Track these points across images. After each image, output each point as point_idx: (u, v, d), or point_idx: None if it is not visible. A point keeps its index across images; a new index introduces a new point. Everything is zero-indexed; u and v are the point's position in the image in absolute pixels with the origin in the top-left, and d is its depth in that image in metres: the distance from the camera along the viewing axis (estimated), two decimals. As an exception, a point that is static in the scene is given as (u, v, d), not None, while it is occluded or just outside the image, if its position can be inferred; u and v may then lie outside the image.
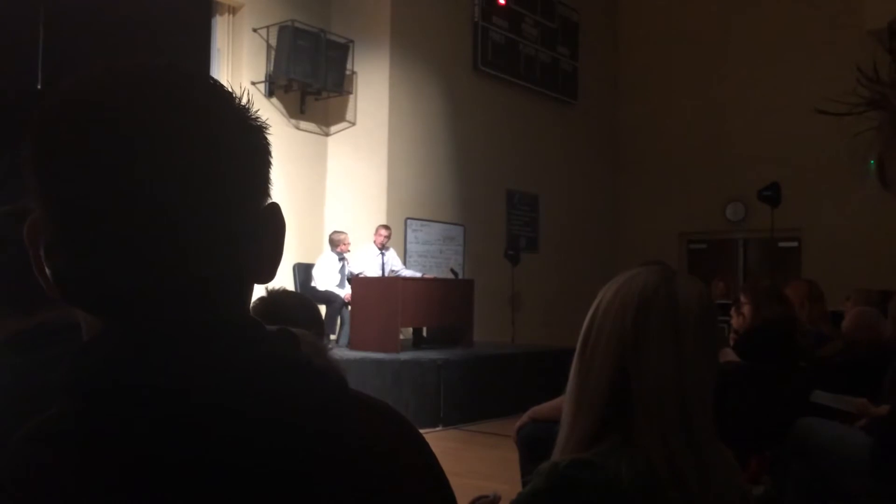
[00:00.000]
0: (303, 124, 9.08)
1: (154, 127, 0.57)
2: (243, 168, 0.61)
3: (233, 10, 8.64)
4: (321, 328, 2.38)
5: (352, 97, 9.29)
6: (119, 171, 0.56)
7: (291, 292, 2.47)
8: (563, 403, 1.32)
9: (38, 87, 9.21)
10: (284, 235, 0.65)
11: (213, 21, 8.64)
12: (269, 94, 8.68)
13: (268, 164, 0.63)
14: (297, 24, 8.48)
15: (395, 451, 0.65)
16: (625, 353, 1.22)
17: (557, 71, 11.66)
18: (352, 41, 9.01)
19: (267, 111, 8.84)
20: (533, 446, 3.57)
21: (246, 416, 0.56)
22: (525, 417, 3.64)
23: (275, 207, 0.64)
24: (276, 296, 2.12)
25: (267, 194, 0.63)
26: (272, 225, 0.63)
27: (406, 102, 9.39)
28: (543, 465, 1.23)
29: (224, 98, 0.62)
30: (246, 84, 8.61)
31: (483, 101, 10.34)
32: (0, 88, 10.03)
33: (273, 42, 8.56)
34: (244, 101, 0.63)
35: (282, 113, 8.87)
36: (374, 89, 9.24)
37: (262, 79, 8.66)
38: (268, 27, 8.58)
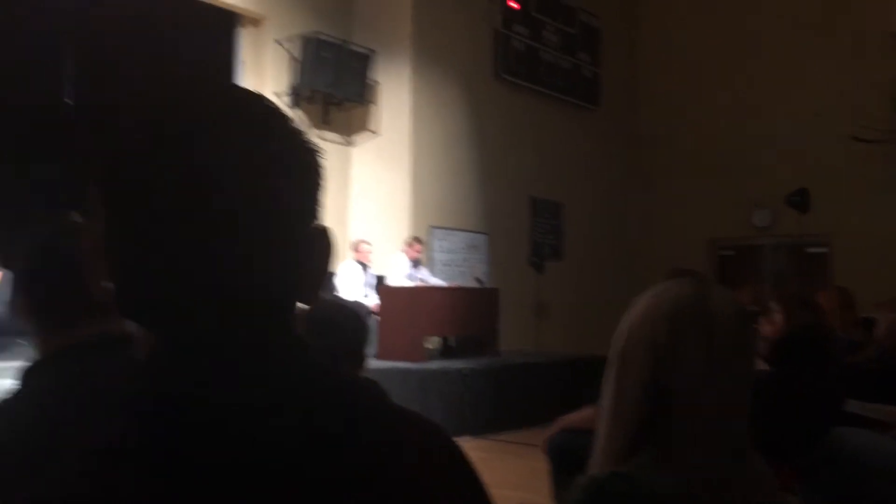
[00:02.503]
0: (326, 135, 9.12)
1: (216, 148, 0.59)
2: (296, 190, 0.62)
3: (256, 23, 8.71)
4: (366, 339, 2.36)
5: (374, 107, 9.32)
6: (181, 191, 0.58)
7: (340, 303, 2.46)
8: (598, 415, 1.31)
9: (65, 100, 9.33)
10: (330, 257, 0.66)
11: (237, 33, 8.71)
12: (293, 105, 8.73)
13: (319, 187, 0.64)
14: (319, 36, 8.53)
15: (438, 464, 0.65)
16: (660, 366, 1.21)
17: (579, 77, 11.62)
18: (373, 51, 9.04)
19: (291, 122, 8.91)
20: (563, 456, 3.53)
21: (295, 433, 0.58)
22: (555, 427, 3.61)
23: (323, 229, 0.65)
24: (325, 307, 2.10)
25: (316, 215, 0.64)
26: (320, 246, 0.65)
27: (428, 111, 9.41)
28: (581, 479, 1.23)
29: (281, 120, 0.63)
30: (269, 95, 8.66)
31: (505, 108, 10.33)
32: (29, 101, 10.21)
33: (296, 53, 8.61)
34: (297, 121, 0.64)
35: (305, 124, 8.92)
36: (396, 99, 9.27)
37: (286, 90, 8.72)
38: (290, 38, 8.64)
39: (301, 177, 0.63)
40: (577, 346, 9.52)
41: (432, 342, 8.03)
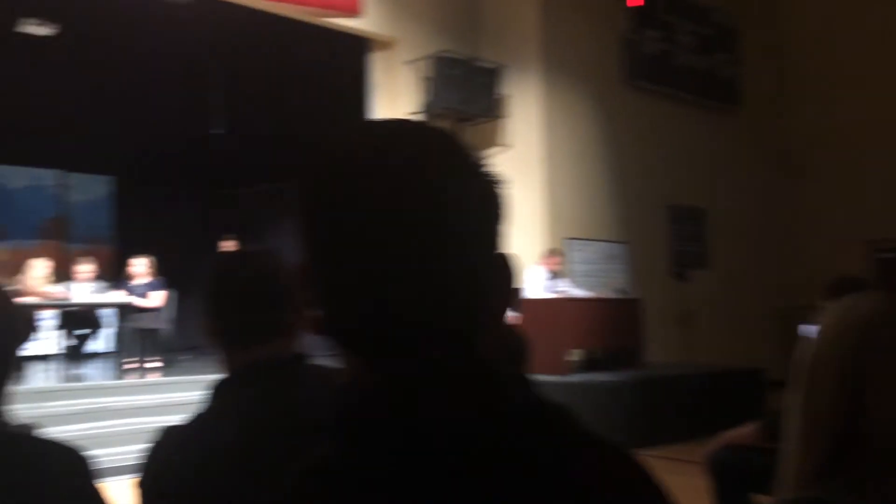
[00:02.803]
0: (459, 151, 9.18)
1: (408, 183, 0.62)
2: (482, 220, 0.65)
3: (387, 46, 8.91)
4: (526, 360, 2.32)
5: (505, 121, 9.31)
6: (381, 225, 0.61)
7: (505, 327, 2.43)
8: (785, 435, 1.23)
9: (218, 132, 9.92)
10: (512, 283, 0.68)
11: (369, 58, 8.95)
12: (426, 123, 8.86)
13: (499, 216, 0.66)
14: (447, 54, 8.63)
15: (641, 499, 0.67)
16: (855, 389, 1.14)
17: (715, 79, 11.18)
18: (502, 65, 9.04)
19: (424, 141, 9.05)
20: (727, 474, 3.39)
21: (493, 458, 0.60)
22: (716, 444, 3.46)
23: (504, 257, 0.67)
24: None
25: (497, 244, 0.66)
26: (504, 274, 0.67)
27: (560, 122, 9.31)
28: (770, 502, 1.17)
29: (464, 152, 0.66)
30: (402, 115, 8.85)
31: (638, 115, 10.07)
32: (178, 131, 10.92)
33: (426, 73, 8.74)
34: (477, 154, 0.67)
35: (438, 141, 9.02)
36: (526, 111, 9.22)
37: (418, 109, 8.86)
38: (421, 59, 8.78)
39: (486, 207, 0.65)
40: (726, 358, 9.09)
41: (576, 355, 7.88)
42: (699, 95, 10.85)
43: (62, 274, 10.93)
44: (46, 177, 11.62)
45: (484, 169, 0.66)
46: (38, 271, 8.32)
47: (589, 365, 7.94)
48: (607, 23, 9.90)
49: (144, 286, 8.75)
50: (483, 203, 0.65)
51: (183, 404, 7.19)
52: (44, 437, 1.28)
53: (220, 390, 1.37)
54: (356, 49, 8.91)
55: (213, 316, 1.40)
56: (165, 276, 8.96)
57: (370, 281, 0.61)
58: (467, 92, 8.59)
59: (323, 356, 1.43)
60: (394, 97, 8.88)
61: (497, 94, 9.00)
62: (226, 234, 9.64)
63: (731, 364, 8.40)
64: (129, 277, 8.92)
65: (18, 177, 11.37)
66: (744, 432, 3.30)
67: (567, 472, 0.62)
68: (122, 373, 8.29)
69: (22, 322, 1.35)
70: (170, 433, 1.32)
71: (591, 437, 0.67)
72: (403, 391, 0.61)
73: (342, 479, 0.60)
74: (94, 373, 8.80)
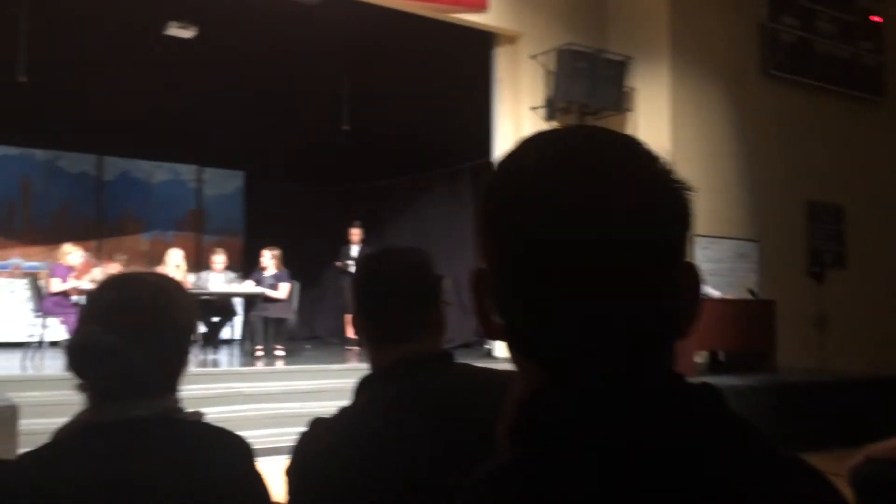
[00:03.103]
0: (582, 145, 9.04)
1: (595, 191, 0.61)
2: (672, 227, 0.64)
3: (512, 40, 8.87)
4: None
5: (632, 114, 9.08)
6: (567, 237, 0.60)
7: None
8: None
9: (345, 127, 10.16)
10: (699, 293, 0.66)
11: (493, 53, 8.93)
12: (549, 117, 8.76)
13: (687, 224, 0.65)
14: (573, 47, 8.50)
15: None
16: None
17: (858, 68, 10.51)
18: (630, 57, 8.82)
19: (546, 135, 8.97)
20: (873, 489, 3.17)
21: (685, 475, 0.58)
22: (860, 456, 3.24)
23: (691, 266, 0.65)
24: None
25: (684, 253, 0.65)
26: (689, 284, 0.65)
27: (689, 115, 8.99)
28: None
29: (649, 159, 0.65)
30: (525, 110, 8.78)
31: (774, 107, 9.60)
32: (307, 128, 11.27)
33: (551, 67, 8.64)
34: (664, 160, 0.65)
35: (561, 136, 8.92)
36: (654, 105, 8.96)
37: (542, 104, 8.77)
38: (546, 53, 8.68)
39: (676, 215, 0.64)
40: (865, 364, 8.55)
41: (700, 357, 7.60)
42: (840, 86, 10.24)
43: (198, 264, 11.53)
44: (185, 172, 12.25)
45: (673, 175, 0.65)
46: (174, 261, 8.78)
47: (713, 367, 7.64)
48: (741, 11, 9.49)
49: (273, 277, 9.08)
50: (674, 210, 0.64)
51: (307, 392, 7.43)
52: (212, 424, 1.33)
53: (367, 386, 1.39)
54: (480, 44, 8.91)
55: (361, 313, 1.41)
56: (292, 267, 9.28)
57: (564, 292, 0.61)
58: (593, 85, 8.43)
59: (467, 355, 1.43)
60: (517, 91, 8.84)
61: (623, 87, 8.79)
62: (353, 221, 9.91)
63: (869, 370, 7.88)
64: (259, 268, 9.29)
65: (160, 172, 12.05)
66: (890, 445, 3.09)
67: (771, 495, 0.60)
68: (251, 359, 8.64)
69: (195, 311, 1.41)
70: (317, 425, 1.34)
71: (790, 457, 0.65)
72: (598, 405, 0.60)
73: (525, 490, 0.59)
74: (225, 359, 9.22)
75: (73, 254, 8.32)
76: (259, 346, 8.90)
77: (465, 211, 10.85)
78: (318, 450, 1.29)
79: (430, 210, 11.39)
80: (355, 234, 9.84)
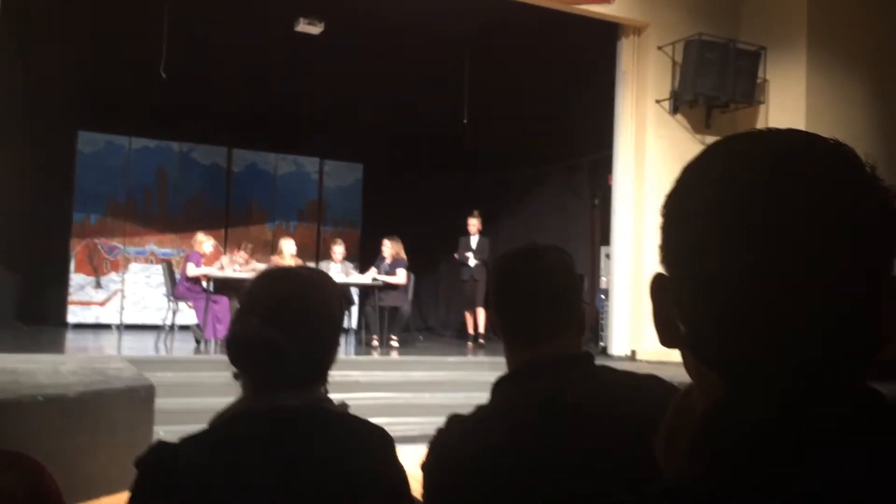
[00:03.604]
0: (708, 139, 8.69)
1: (812, 203, 0.58)
2: (874, 240, 0.60)
3: (638, 31, 8.64)
4: None
5: (763, 107, 8.67)
6: (779, 244, 0.57)
7: None
8: None
9: (465, 121, 10.19)
10: None
11: (618, 44, 8.72)
12: (674, 110, 8.49)
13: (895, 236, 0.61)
14: (703, 37, 8.19)
15: None
16: None
17: None
18: (764, 48, 8.42)
19: (671, 128, 8.70)
20: None
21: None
22: None
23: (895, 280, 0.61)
24: None
25: (891, 267, 0.61)
26: (892, 298, 0.60)
27: (826, 107, 8.49)
28: None
29: (865, 169, 0.61)
30: (650, 103, 8.54)
31: (922, 99, 8.93)
32: (432, 122, 11.38)
33: (678, 58, 8.36)
34: (870, 167, 0.61)
35: (686, 129, 8.62)
36: (788, 97, 8.53)
37: (667, 96, 8.50)
38: (673, 44, 8.41)
39: (883, 227, 0.60)
40: None
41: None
42: None
43: (317, 254, 11.86)
44: (307, 164, 12.62)
45: (882, 183, 0.60)
46: (289, 250, 9.06)
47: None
48: (887, -3, 8.88)
49: (389, 266, 9.22)
50: (883, 220, 0.60)
51: (422, 382, 7.51)
52: (357, 416, 1.35)
53: (505, 385, 1.37)
54: (603, 35, 8.73)
55: (499, 312, 1.39)
56: (408, 259, 9.39)
57: (762, 301, 0.58)
58: (723, 76, 8.11)
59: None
60: (642, 84, 8.61)
61: (756, 78, 8.40)
62: (471, 211, 9.92)
63: None
64: (380, 257, 9.45)
65: (284, 164, 12.46)
66: None
67: None
68: (367, 348, 8.81)
69: (343, 304, 1.43)
70: (454, 422, 1.33)
71: None
72: (801, 421, 0.57)
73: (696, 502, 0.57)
74: (341, 347, 9.43)
75: (206, 242, 8.75)
76: (375, 336, 9.06)
77: (582, 205, 10.68)
78: (454, 447, 1.28)
79: (547, 203, 11.28)
80: (473, 224, 9.82)
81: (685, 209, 0.62)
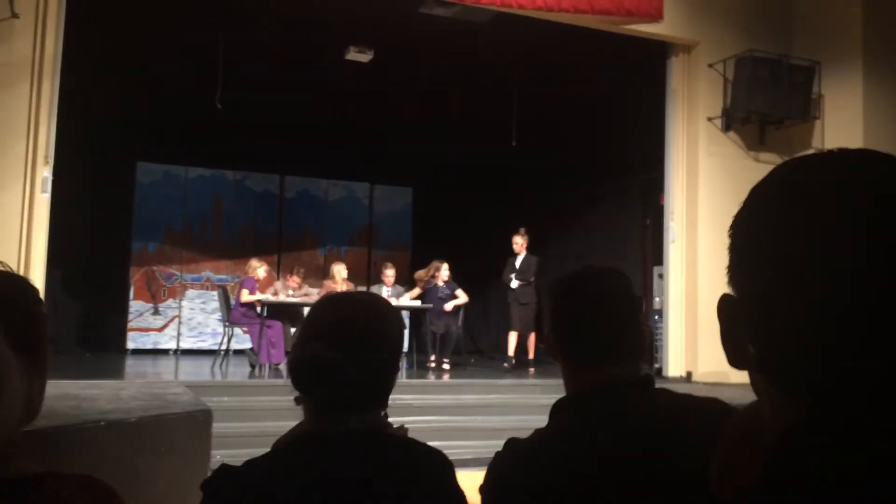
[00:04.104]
0: (762, 156, 8.57)
1: (886, 224, 0.56)
2: None
3: (688, 49, 8.57)
4: None
5: (818, 123, 8.49)
6: (841, 265, 0.56)
7: None
8: None
9: (513, 143, 10.22)
10: None
11: (668, 63, 8.66)
12: (727, 128, 8.37)
13: None
14: (755, 54, 8.08)
15: None
16: None
17: None
18: (818, 63, 8.27)
19: (724, 146, 8.58)
20: None
21: None
22: None
23: None
24: None
25: None
26: None
27: (885, 123, 8.29)
28: None
29: None
30: (701, 121, 8.44)
31: None
32: (481, 146, 11.42)
33: (730, 75, 8.26)
34: None
35: (739, 146, 8.50)
36: (845, 112, 8.34)
37: (719, 114, 8.40)
38: (724, 61, 8.31)
39: None
40: None
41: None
42: None
43: (368, 278, 11.95)
44: (357, 189, 12.76)
45: None
46: (341, 274, 9.18)
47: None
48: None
49: (447, 287, 9.27)
50: None
51: (474, 406, 7.47)
52: (416, 440, 1.35)
53: (565, 409, 1.36)
54: (652, 55, 8.68)
55: (558, 335, 1.39)
56: (458, 281, 9.42)
57: (842, 324, 0.56)
58: (776, 93, 7.99)
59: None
60: (692, 102, 8.53)
61: (810, 94, 8.25)
62: (518, 228, 9.85)
63: None
64: (426, 282, 9.48)
65: (335, 189, 12.62)
66: None
67: None
68: (420, 371, 8.82)
69: (403, 329, 1.44)
70: (512, 446, 1.32)
71: None
72: (880, 449, 0.55)
73: None
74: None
75: (259, 268, 8.91)
76: (432, 359, 9.10)
77: (633, 225, 10.57)
78: (512, 471, 1.27)
79: (597, 224, 11.20)
80: (518, 242, 9.67)
81: (758, 230, 0.61)
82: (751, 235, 0.61)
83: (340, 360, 1.23)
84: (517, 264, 9.61)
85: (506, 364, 9.49)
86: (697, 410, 1.33)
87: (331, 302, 1.37)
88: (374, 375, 1.30)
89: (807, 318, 0.57)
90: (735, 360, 0.64)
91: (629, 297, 1.41)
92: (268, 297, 8.80)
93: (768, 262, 0.60)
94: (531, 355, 9.69)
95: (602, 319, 1.35)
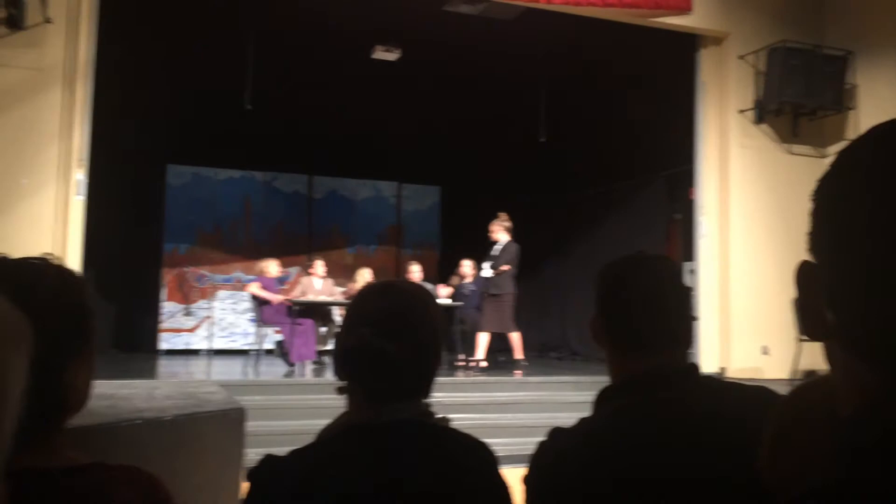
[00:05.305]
0: (795, 148, 8.44)
1: None
2: None
3: (717, 41, 8.46)
4: None
5: (852, 113, 8.34)
6: None
7: None
8: None
9: (541, 139, 10.17)
10: None
11: (697, 55, 8.55)
12: (759, 120, 8.25)
13: None
14: (787, 44, 7.96)
15: None
16: None
17: None
18: (851, 52, 8.12)
19: (756, 138, 8.45)
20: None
21: None
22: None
23: None
24: None
25: None
26: None
27: (922, 111, 8.11)
28: None
29: None
30: (732, 114, 8.33)
31: None
32: (509, 143, 11.39)
33: (761, 66, 8.14)
34: None
35: (772, 138, 8.37)
36: (879, 102, 8.17)
37: (751, 106, 8.28)
38: (755, 52, 8.20)
39: None
40: None
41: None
42: None
43: (397, 276, 11.96)
44: (385, 188, 12.80)
45: None
46: (365, 279, 9.26)
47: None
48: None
49: (473, 284, 9.24)
50: None
51: (505, 403, 7.44)
52: (460, 430, 1.34)
53: (610, 396, 1.35)
54: (682, 47, 8.57)
55: (610, 321, 1.37)
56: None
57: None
58: (809, 83, 7.86)
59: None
60: (724, 94, 8.41)
61: (844, 83, 8.11)
62: (556, 237, 9.68)
63: None
64: (457, 279, 9.47)
65: (363, 189, 12.66)
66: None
67: None
68: (451, 370, 8.80)
69: (443, 319, 1.43)
70: (557, 435, 1.30)
71: None
72: None
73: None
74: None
75: (271, 265, 9.00)
76: (461, 357, 9.08)
77: (662, 220, 10.46)
78: (559, 461, 1.26)
79: (626, 220, 11.10)
80: (492, 230, 8.85)
81: (851, 192, 0.59)
82: (838, 197, 0.59)
83: (390, 346, 1.22)
84: (495, 251, 8.83)
85: (472, 365, 8.78)
86: (746, 398, 1.32)
87: (377, 289, 1.36)
88: (421, 363, 1.29)
89: (850, 287, 0.56)
90: (811, 328, 0.62)
91: (680, 284, 1.40)
92: (268, 294, 8.83)
93: (858, 225, 0.58)
94: (518, 355, 8.78)
95: (654, 306, 1.33)
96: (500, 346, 11.94)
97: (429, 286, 9.60)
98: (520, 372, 8.58)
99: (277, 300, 8.74)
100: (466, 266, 9.43)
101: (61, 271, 1.02)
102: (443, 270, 11.90)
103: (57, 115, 6.55)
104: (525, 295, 12.29)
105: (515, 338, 8.73)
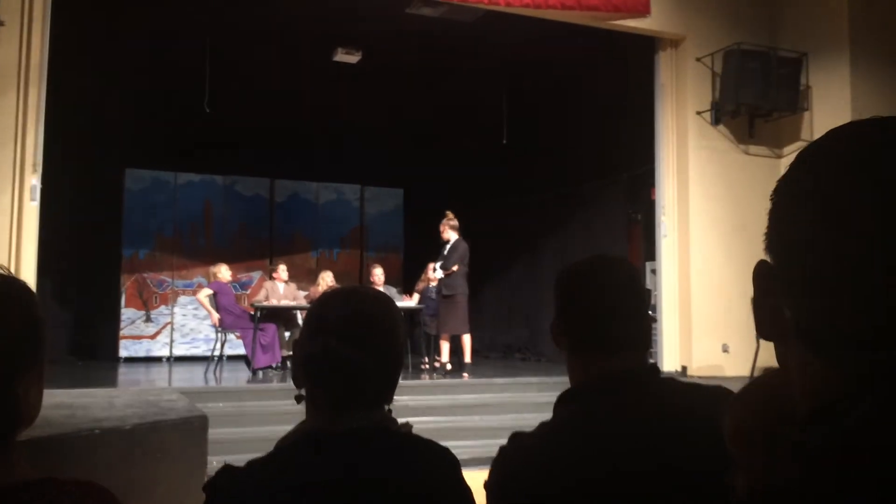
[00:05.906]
0: (751, 149, 8.59)
1: None
2: None
3: (675, 44, 8.58)
4: None
5: (807, 114, 8.52)
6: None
7: None
8: None
9: (504, 141, 10.21)
10: None
11: (656, 57, 8.67)
12: (716, 121, 8.39)
13: None
14: (742, 46, 8.10)
15: None
16: None
17: None
18: (805, 54, 8.29)
19: (713, 140, 8.59)
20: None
21: None
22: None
23: None
24: None
25: None
26: None
27: (873, 113, 8.25)
28: None
29: None
30: (690, 115, 8.45)
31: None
32: (471, 146, 11.41)
33: (718, 69, 8.27)
34: None
35: (729, 140, 8.51)
36: (833, 103, 8.36)
37: (708, 107, 8.41)
38: (712, 54, 8.33)
39: None
40: None
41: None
42: None
43: (361, 279, 11.92)
44: (348, 191, 12.73)
45: None
46: (327, 281, 9.23)
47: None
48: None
49: (432, 290, 9.22)
50: None
51: (470, 406, 7.46)
52: (421, 436, 1.33)
53: (570, 399, 1.34)
54: (640, 50, 8.68)
55: (568, 324, 1.36)
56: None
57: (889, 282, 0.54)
58: (765, 85, 8.01)
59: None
60: (681, 97, 8.53)
61: (798, 85, 8.27)
62: (517, 242, 9.68)
63: None
64: (424, 283, 9.45)
65: (325, 192, 12.58)
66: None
67: None
68: (415, 373, 8.79)
69: (405, 325, 1.42)
70: (517, 440, 1.30)
71: None
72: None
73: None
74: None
75: (222, 269, 8.90)
76: (426, 360, 9.07)
77: (623, 221, 10.58)
78: (519, 465, 1.25)
79: (588, 221, 11.20)
80: (441, 230, 8.72)
81: (808, 192, 0.59)
82: (799, 197, 0.60)
83: (355, 354, 1.21)
84: (444, 251, 8.69)
85: (436, 368, 8.78)
86: (704, 397, 1.32)
87: (339, 295, 1.34)
88: (384, 370, 1.27)
89: (859, 279, 0.56)
90: (767, 328, 0.62)
91: (638, 287, 1.40)
92: (254, 302, 8.76)
93: (816, 225, 0.58)
94: (467, 358, 8.62)
95: (612, 309, 1.33)
96: (454, 348, 12.00)
97: (392, 290, 9.58)
98: (467, 375, 8.50)
99: (215, 319, 8.57)
100: (430, 270, 9.42)
101: (8, 282, 0.99)
102: (407, 273, 11.88)
103: (12, 119, 6.41)
104: (490, 296, 12.36)
105: (466, 340, 8.65)
